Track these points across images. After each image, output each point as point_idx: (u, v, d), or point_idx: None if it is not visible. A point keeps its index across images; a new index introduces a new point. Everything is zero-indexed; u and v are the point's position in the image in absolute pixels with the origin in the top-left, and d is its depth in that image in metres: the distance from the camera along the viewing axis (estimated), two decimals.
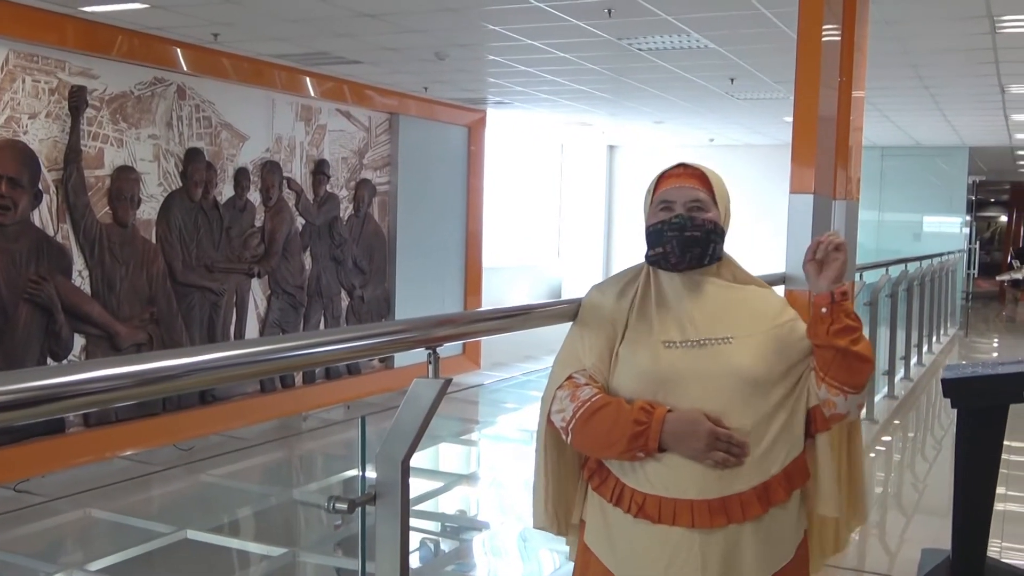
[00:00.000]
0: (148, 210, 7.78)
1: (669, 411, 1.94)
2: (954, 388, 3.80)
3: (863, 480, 2.24)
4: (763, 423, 1.97)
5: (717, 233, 2.06)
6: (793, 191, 4.04)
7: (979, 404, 3.81)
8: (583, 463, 2.13)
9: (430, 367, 1.77)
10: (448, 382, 1.73)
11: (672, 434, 1.92)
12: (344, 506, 1.66)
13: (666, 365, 1.98)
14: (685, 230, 2.02)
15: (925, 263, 10.15)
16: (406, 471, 1.72)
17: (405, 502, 1.70)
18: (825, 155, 4.25)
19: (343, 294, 9.99)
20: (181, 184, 8.04)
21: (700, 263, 2.05)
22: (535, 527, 2.12)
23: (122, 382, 1.32)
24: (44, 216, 6.95)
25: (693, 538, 1.94)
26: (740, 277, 2.13)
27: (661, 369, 1.98)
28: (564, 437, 2.02)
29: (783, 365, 2.02)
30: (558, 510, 2.11)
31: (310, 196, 9.47)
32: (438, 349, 1.77)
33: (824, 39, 4.17)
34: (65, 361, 7.10)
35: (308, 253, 9.50)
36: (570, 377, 2.04)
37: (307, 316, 9.48)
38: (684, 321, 2.03)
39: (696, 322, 2.03)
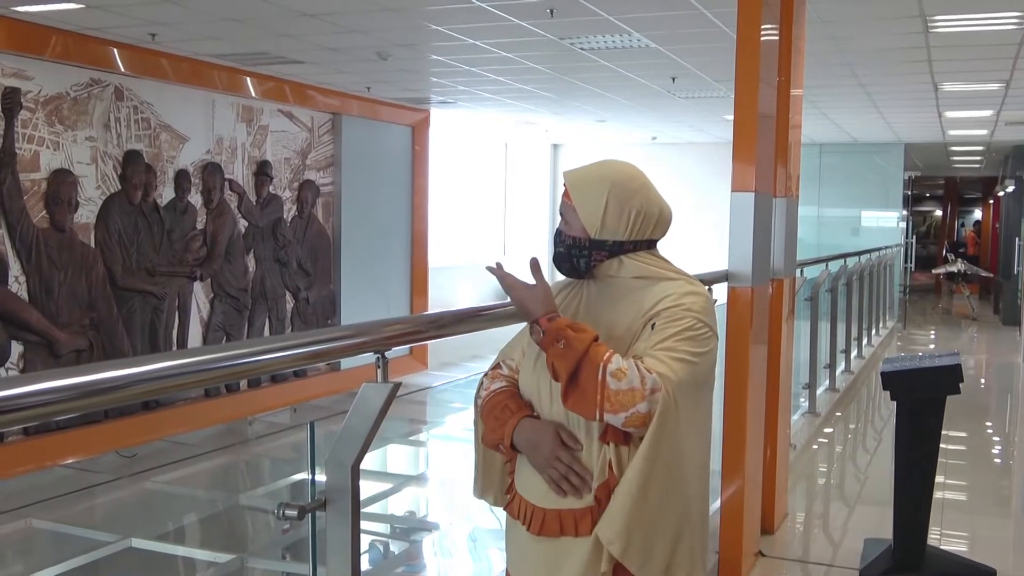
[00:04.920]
0: (86, 214, 7.64)
1: (531, 416, 1.97)
2: (893, 381, 3.88)
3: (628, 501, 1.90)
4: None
5: (578, 247, 2.00)
6: (735, 189, 4.10)
7: (918, 396, 3.90)
8: None
9: (379, 371, 1.76)
10: (397, 386, 1.73)
11: (521, 439, 1.95)
12: (294, 512, 1.65)
13: (539, 370, 1.98)
14: (556, 246, 2.05)
15: (864, 258, 10.34)
16: (356, 475, 1.71)
17: (356, 507, 1.70)
18: (765, 153, 4.32)
19: (288, 296, 9.90)
20: (120, 187, 7.91)
21: (579, 274, 2.04)
22: (475, 496, 2.17)
23: (64, 395, 1.30)
24: None
25: (534, 543, 1.98)
26: (642, 275, 2.01)
27: (535, 373, 2.00)
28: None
29: None
30: (490, 482, 2.16)
31: (253, 198, 9.37)
32: (386, 353, 1.77)
33: (763, 39, 4.23)
34: (2, 369, 6.94)
35: (251, 255, 9.40)
36: (497, 366, 2.12)
37: (251, 319, 9.38)
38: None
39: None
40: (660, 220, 2.05)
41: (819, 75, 8.42)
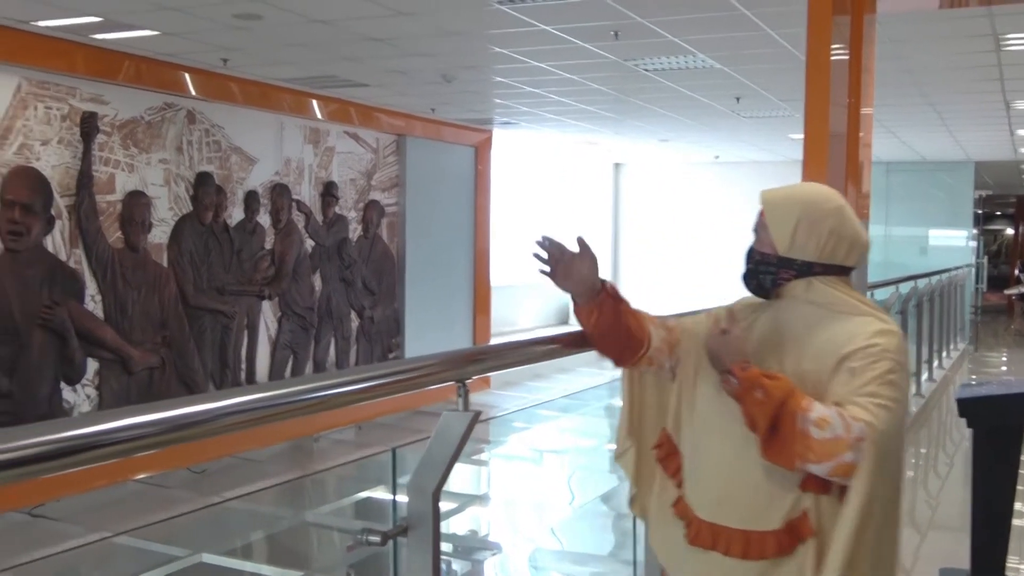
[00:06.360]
0: (159, 234, 7.82)
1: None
2: (970, 408, 3.81)
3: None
4: (770, 471, 1.88)
5: (766, 263, 1.98)
6: None
7: (995, 423, 3.82)
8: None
9: (460, 399, 1.79)
10: (477, 415, 1.75)
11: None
12: (376, 538, 1.68)
13: (714, 383, 1.97)
14: (746, 263, 2.04)
15: (935, 278, 10.15)
16: (437, 503, 1.73)
17: (436, 534, 1.72)
18: (836, 173, 4.28)
19: (353, 315, 10.01)
20: (192, 208, 8.09)
21: (764, 293, 2.02)
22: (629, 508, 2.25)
23: (150, 430, 1.31)
24: (57, 242, 6.99)
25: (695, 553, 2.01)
26: (831, 303, 1.95)
27: (709, 385, 2.00)
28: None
29: None
30: (645, 487, 2.20)
31: (319, 218, 9.52)
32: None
33: (832, 59, 4.21)
34: (78, 386, 7.13)
35: (318, 275, 9.54)
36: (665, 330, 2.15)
37: (318, 337, 9.51)
38: (755, 345, 1.99)
39: (761, 348, 1.98)
40: (854, 246, 1.98)
41: (887, 94, 8.31)
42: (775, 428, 1.79)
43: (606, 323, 2.08)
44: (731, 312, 2.05)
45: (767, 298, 2.03)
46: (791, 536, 1.90)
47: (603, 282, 2.11)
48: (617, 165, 17.11)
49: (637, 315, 2.14)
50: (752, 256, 2.02)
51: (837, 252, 1.96)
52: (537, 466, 8.64)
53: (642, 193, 16.75)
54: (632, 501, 2.26)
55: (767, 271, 1.99)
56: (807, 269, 1.95)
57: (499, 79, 8.43)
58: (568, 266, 2.09)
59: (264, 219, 8.85)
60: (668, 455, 2.13)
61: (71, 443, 1.21)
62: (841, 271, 1.98)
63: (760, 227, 2.02)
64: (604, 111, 10.21)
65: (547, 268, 2.12)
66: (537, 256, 2.12)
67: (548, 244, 2.12)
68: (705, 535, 1.99)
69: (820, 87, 4.11)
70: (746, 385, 1.82)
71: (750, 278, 2.03)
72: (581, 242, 2.11)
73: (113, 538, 6.19)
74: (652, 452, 2.18)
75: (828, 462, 1.76)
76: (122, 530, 6.29)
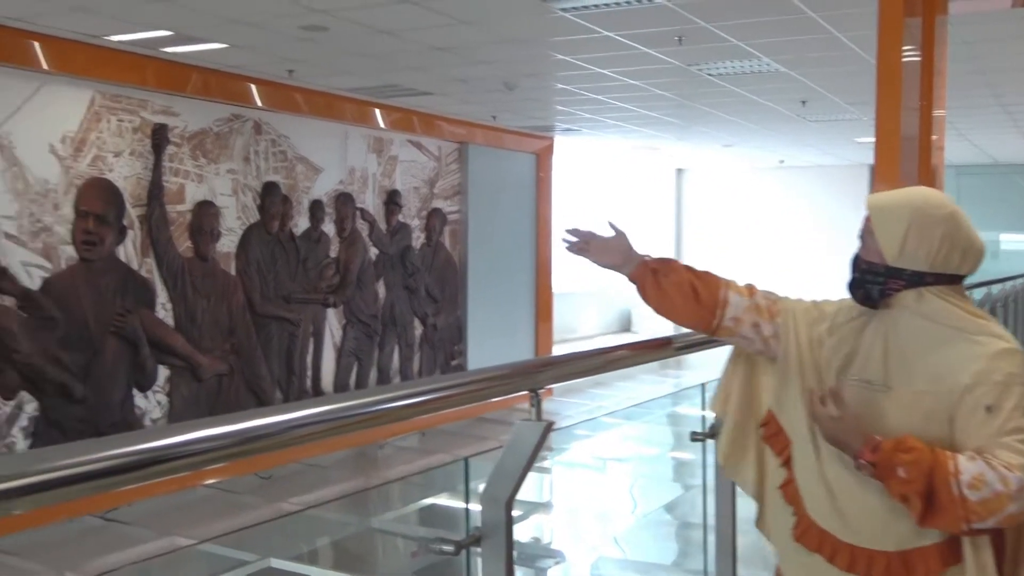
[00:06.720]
0: (227, 243, 7.96)
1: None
2: None
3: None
4: (885, 495, 1.82)
5: (873, 272, 1.89)
6: None
7: None
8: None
9: (533, 409, 1.78)
10: (550, 425, 1.74)
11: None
12: (450, 548, 1.68)
13: (820, 385, 1.94)
14: (852, 271, 1.96)
15: (1008, 284, 9.89)
16: (510, 512, 1.73)
17: (509, 543, 1.71)
18: (908, 177, 4.21)
19: (416, 322, 10.07)
20: (259, 217, 8.21)
21: (871, 303, 1.92)
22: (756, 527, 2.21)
23: (223, 442, 1.32)
24: (129, 251, 7.15)
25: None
26: (944, 317, 1.84)
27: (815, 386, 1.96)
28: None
29: (931, 436, 1.79)
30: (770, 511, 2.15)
31: (383, 226, 9.60)
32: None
33: (904, 60, 4.13)
34: (149, 393, 7.27)
35: (382, 282, 9.62)
36: (764, 300, 2.11)
37: (381, 345, 9.59)
38: (857, 354, 1.93)
39: (866, 360, 1.92)
40: (969, 253, 1.87)
41: (958, 96, 8.13)
42: (930, 501, 1.72)
43: (665, 280, 2.09)
44: (826, 314, 2.02)
45: (874, 308, 1.92)
46: (904, 567, 1.84)
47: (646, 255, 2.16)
48: (679, 171, 16.99)
49: (702, 275, 2.12)
50: (858, 264, 1.93)
51: (950, 260, 1.85)
52: (600, 474, 8.60)
53: (705, 198, 16.60)
54: (726, 463, 2.21)
55: (875, 281, 1.88)
56: (918, 279, 1.85)
57: (561, 86, 8.43)
58: (602, 243, 2.17)
59: (329, 228, 8.95)
60: (774, 434, 2.08)
61: (146, 456, 1.23)
62: (953, 279, 1.87)
63: (866, 234, 1.92)
64: (667, 116, 10.15)
65: (581, 246, 2.19)
66: (568, 241, 2.20)
67: (577, 231, 2.21)
68: (812, 536, 1.95)
69: (891, 90, 4.04)
70: (885, 468, 1.75)
71: (856, 287, 1.93)
72: (611, 224, 2.18)
73: (183, 542, 6.31)
74: (759, 430, 2.13)
75: (992, 518, 1.69)
76: (190, 533, 6.40)
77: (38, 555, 6.06)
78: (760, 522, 2.19)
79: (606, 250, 2.16)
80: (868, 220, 1.92)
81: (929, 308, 1.85)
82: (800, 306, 2.08)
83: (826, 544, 1.93)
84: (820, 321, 2.03)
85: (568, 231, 2.22)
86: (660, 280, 2.10)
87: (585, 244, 2.18)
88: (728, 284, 2.11)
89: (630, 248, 2.16)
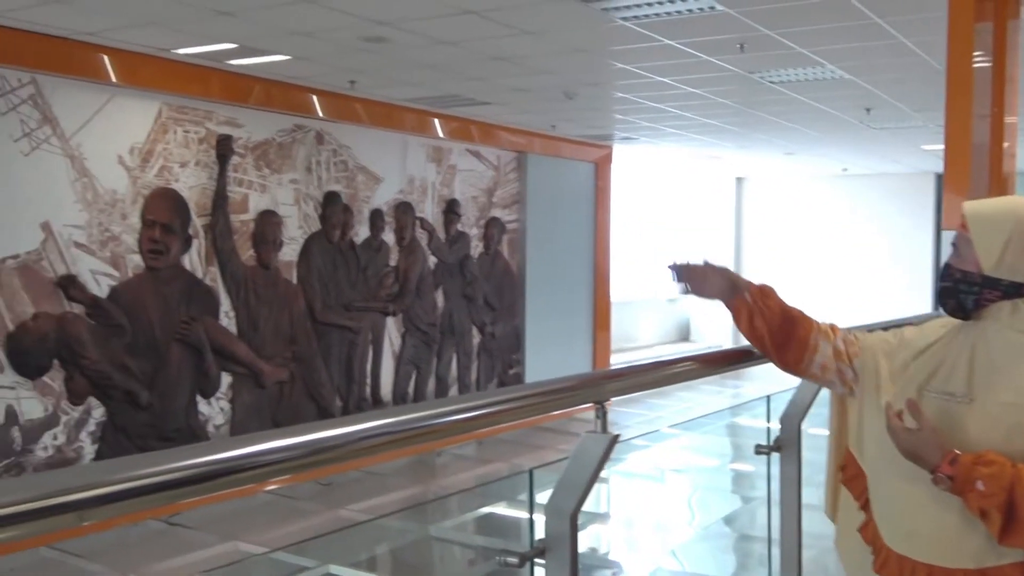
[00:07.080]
0: (289, 252, 8.05)
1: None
2: None
3: None
4: (963, 511, 1.77)
5: (967, 282, 1.84)
6: (946, 227, 3.90)
7: None
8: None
9: (598, 421, 1.77)
10: (616, 437, 1.73)
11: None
12: (515, 560, 1.67)
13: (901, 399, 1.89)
14: (943, 279, 1.91)
15: None
16: (575, 525, 1.72)
17: (574, 556, 1.70)
18: (978, 186, 4.11)
19: (474, 331, 10.10)
20: (320, 226, 8.30)
21: (963, 314, 1.88)
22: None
23: (289, 454, 1.33)
24: (193, 260, 7.28)
25: None
26: None
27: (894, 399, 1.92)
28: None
29: (1014, 451, 1.74)
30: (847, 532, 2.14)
31: (442, 235, 9.64)
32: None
33: (975, 66, 4.04)
34: (213, 399, 7.39)
35: (440, 291, 9.66)
36: (842, 344, 2.10)
37: (440, 353, 9.62)
38: (941, 366, 1.90)
39: (950, 372, 1.87)
40: None
41: None
42: (1011, 514, 1.68)
43: (758, 319, 2.11)
44: (906, 340, 2.00)
45: (966, 319, 1.89)
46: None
47: (747, 283, 2.19)
48: (739, 179, 16.83)
49: (795, 317, 2.13)
50: (951, 273, 1.88)
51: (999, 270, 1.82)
52: (658, 485, 8.52)
53: (766, 207, 16.40)
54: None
55: (969, 290, 1.84)
56: (1014, 290, 1.81)
57: (620, 95, 8.40)
58: (701, 274, 2.19)
59: (388, 237, 9.01)
60: (853, 477, 2.06)
61: (216, 467, 1.24)
62: None
63: (962, 242, 1.88)
64: (727, 125, 10.05)
65: (684, 286, 2.19)
66: (672, 279, 2.21)
67: (675, 266, 2.22)
68: (892, 566, 1.91)
69: (962, 98, 3.95)
70: (963, 481, 1.71)
71: (948, 296, 1.88)
72: (706, 262, 2.21)
73: (245, 546, 6.38)
74: (838, 473, 2.12)
75: None
76: (251, 539, 6.47)
77: (103, 557, 6.18)
78: (843, 562, 2.18)
79: (705, 281, 2.19)
80: (964, 228, 1.88)
81: (1019, 317, 1.82)
82: (878, 340, 2.06)
83: (905, 568, 1.89)
84: (901, 349, 2.00)
85: (670, 266, 2.25)
86: (755, 318, 2.12)
87: (687, 280, 2.20)
88: (819, 328, 2.11)
89: (730, 276, 2.19)
